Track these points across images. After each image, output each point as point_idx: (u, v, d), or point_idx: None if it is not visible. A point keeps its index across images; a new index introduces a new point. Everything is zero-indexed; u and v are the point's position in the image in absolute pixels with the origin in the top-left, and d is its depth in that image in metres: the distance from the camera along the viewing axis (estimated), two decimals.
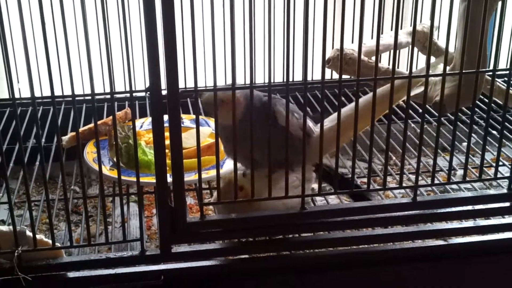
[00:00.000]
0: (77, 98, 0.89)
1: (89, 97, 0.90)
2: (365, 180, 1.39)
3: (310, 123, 1.09)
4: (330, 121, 1.08)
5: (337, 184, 1.01)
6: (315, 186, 1.09)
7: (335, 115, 0.99)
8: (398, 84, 0.99)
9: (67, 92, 0.91)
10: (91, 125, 1.39)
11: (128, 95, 0.95)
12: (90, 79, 0.90)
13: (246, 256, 1.04)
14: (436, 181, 1.05)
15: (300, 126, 1.05)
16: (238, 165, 1.15)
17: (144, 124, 1.47)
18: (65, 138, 1.39)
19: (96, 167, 1.20)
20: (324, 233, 1.05)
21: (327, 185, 1.21)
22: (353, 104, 0.96)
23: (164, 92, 0.88)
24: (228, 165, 1.25)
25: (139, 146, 1.30)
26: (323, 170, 1.09)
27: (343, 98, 1.55)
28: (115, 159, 1.24)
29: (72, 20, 1.46)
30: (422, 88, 0.99)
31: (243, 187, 1.01)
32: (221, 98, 0.98)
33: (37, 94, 1.51)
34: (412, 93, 0.97)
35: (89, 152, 1.32)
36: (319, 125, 1.05)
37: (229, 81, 0.91)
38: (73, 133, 1.38)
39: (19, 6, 0.81)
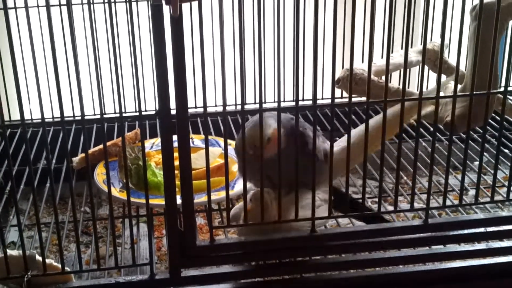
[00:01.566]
0: (87, 118, 0.89)
1: (99, 117, 0.89)
2: (376, 199, 1.38)
3: (326, 145, 1.10)
4: (342, 143, 1.08)
5: (348, 206, 1.00)
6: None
7: (345, 138, 0.99)
8: (408, 104, 0.98)
9: (78, 111, 0.91)
10: (102, 146, 1.39)
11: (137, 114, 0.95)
12: (100, 100, 0.90)
13: (257, 279, 1.03)
14: (447, 201, 1.03)
15: (324, 150, 1.07)
16: (249, 185, 1.15)
17: (154, 145, 1.47)
18: (75, 159, 1.40)
19: (106, 188, 1.20)
20: (335, 256, 1.04)
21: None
22: (363, 126, 0.95)
23: (173, 112, 0.88)
24: (239, 186, 1.25)
25: (149, 167, 1.30)
26: (337, 194, 1.09)
27: (353, 117, 1.54)
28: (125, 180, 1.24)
29: (82, 41, 1.47)
30: (432, 107, 0.98)
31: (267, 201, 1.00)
32: (269, 136, 0.99)
33: (48, 114, 1.53)
34: (422, 112, 0.97)
35: (99, 174, 1.32)
36: (338, 144, 1.05)
37: (239, 101, 0.91)
38: (83, 154, 1.38)
39: (29, 27, 0.82)
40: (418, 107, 0.93)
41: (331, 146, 0.95)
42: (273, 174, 0.99)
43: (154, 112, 0.91)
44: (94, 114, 1.64)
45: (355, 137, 0.99)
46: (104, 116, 0.90)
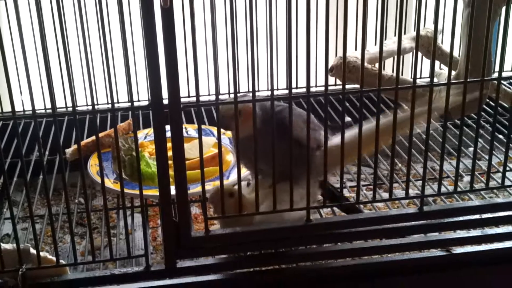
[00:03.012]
0: (79, 110, 0.88)
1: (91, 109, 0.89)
2: (370, 186, 1.38)
3: (321, 134, 1.08)
4: (336, 141, 1.06)
5: (343, 197, 1.00)
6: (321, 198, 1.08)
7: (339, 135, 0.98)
8: (401, 118, 0.97)
9: (70, 102, 0.90)
10: (94, 137, 1.39)
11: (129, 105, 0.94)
12: (91, 91, 0.89)
13: (252, 269, 1.03)
14: (442, 187, 1.03)
15: (315, 139, 1.04)
16: (245, 173, 1.15)
17: (147, 135, 1.46)
18: (68, 151, 1.39)
19: (99, 179, 1.19)
20: (330, 244, 1.04)
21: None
22: (356, 129, 0.95)
23: (166, 102, 0.87)
24: (234, 176, 1.24)
25: (143, 158, 1.30)
26: (328, 190, 1.08)
27: (347, 104, 1.54)
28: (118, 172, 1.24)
29: (73, 31, 1.45)
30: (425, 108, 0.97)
31: (233, 194, 0.99)
32: (240, 109, 0.95)
33: (40, 105, 1.53)
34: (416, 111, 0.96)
35: (93, 165, 1.31)
36: (333, 136, 1.04)
37: (232, 90, 0.90)
38: (76, 146, 1.37)
39: (17, 17, 0.81)
40: (412, 94, 0.93)
41: (325, 138, 0.94)
42: (262, 164, 0.98)
43: (147, 103, 0.90)
44: (87, 105, 1.63)
45: (348, 139, 0.97)
46: (96, 107, 0.90)
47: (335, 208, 1.14)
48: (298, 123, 1.01)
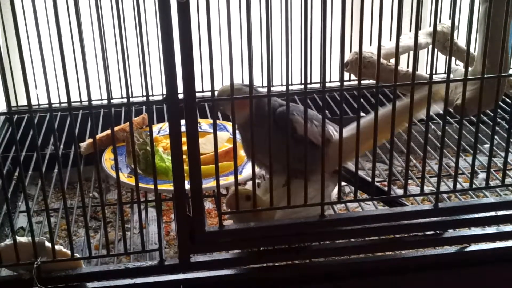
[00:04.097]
0: (94, 103, 0.88)
1: (106, 103, 0.89)
2: (385, 183, 1.37)
3: (330, 127, 1.08)
4: (348, 131, 1.06)
5: (356, 190, 0.99)
6: (334, 194, 1.08)
7: (354, 124, 0.97)
8: (416, 99, 0.96)
9: (85, 95, 0.90)
10: (109, 131, 1.39)
11: (145, 99, 0.94)
12: (107, 85, 0.89)
13: (265, 264, 1.03)
14: (457, 184, 1.03)
15: (319, 134, 1.03)
16: (258, 170, 1.15)
17: (161, 130, 1.46)
18: (83, 145, 1.39)
19: (114, 174, 1.19)
20: (344, 240, 1.04)
21: (347, 187, 1.18)
22: (372, 115, 0.94)
23: (181, 96, 0.87)
24: (247, 171, 1.24)
25: (157, 153, 1.30)
26: (344, 176, 1.07)
27: (362, 100, 1.53)
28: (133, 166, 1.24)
29: (89, 25, 1.46)
30: (441, 102, 0.96)
31: (250, 197, 0.99)
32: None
33: (55, 99, 1.53)
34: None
35: (107, 159, 1.32)
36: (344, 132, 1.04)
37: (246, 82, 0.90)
38: (91, 140, 1.37)
39: (34, 11, 0.81)
40: (428, 90, 0.92)
41: (340, 131, 0.94)
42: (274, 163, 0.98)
43: (161, 98, 0.90)
44: (101, 99, 1.63)
45: (362, 127, 0.97)
46: (111, 101, 0.90)
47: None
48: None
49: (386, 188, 1.05)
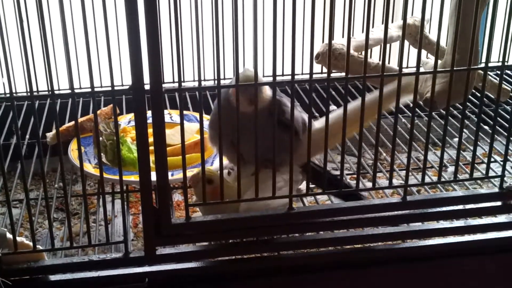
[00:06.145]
0: (58, 93, 0.86)
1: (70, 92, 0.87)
2: (354, 176, 1.37)
3: (305, 118, 1.07)
4: (320, 123, 1.05)
5: (325, 183, 0.98)
6: (302, 187, 1.07)
7: (324, 119, 0.97)
8: (388, 91, 0.96)
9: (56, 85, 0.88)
10: None
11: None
12: (69, 75, 0.87)
13: (233, 257, 1.02)
14: (426, 177, 1.03)
15: (302, 120, 1.05)
16: (225, 162, 1.13)
17: (131, 121, 1.44)
18: (49, 135, 1.37)
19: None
20: (313, 233, 1.03)
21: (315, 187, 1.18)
22: (342, 109, 0.94)
23: (147, 87, 0.85)
24: (216, 163, 1.23)
25: (125, 143, 1.28)
26: (312, 169, 1.07)
27: (333, 93, 1.53)
28: None
29: (54, 12, 1.42)
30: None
31: (212, 180, 0.98)
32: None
33: (21, 88, 1.50)
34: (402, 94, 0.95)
35: (74, 149, 1.29)
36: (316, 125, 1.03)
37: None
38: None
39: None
40: (398, 82, 0.91)
41: (309, 125, 0.93)
42: (244, 150, 0.97)
43: (128, 87, 0.88)
44: (69, 89, 1.60)
45: (333, 119, 0.97)
46: (76, 90, 0.88)
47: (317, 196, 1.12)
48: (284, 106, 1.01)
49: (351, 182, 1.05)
